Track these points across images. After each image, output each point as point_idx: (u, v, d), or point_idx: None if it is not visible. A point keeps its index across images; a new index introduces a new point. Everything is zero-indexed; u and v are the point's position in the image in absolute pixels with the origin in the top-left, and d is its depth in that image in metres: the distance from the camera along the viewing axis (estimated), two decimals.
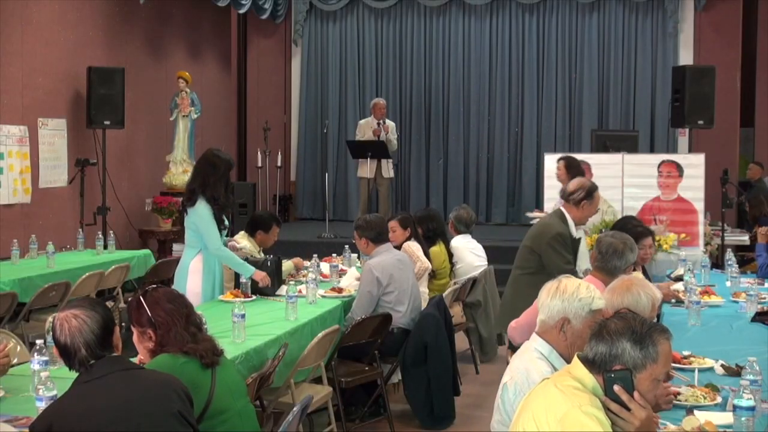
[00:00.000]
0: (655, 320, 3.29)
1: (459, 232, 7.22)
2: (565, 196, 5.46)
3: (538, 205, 11.45)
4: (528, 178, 12.53)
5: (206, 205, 5.28)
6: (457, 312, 6.58)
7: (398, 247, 6.13)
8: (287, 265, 6.18)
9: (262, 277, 5.39)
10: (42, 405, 2.90)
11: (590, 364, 2.44)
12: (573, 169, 7.86)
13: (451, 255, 6.95)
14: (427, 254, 6.42)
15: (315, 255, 6.52)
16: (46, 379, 3.03)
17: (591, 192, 5.39)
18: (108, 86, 9.06)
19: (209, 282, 5.43)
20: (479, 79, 12.80)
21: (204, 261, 5.40)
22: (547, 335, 3.06)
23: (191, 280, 5.37)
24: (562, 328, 3.01)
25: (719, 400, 3.22)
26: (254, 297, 5.30)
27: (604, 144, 9.66)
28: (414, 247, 6.25)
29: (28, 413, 3.05)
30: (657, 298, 3.46)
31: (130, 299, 3.07)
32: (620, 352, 2.39)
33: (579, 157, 9.03)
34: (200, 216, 5.28)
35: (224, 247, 5.41)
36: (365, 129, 10.69)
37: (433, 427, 5.41)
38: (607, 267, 4.28)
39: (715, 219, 9.93)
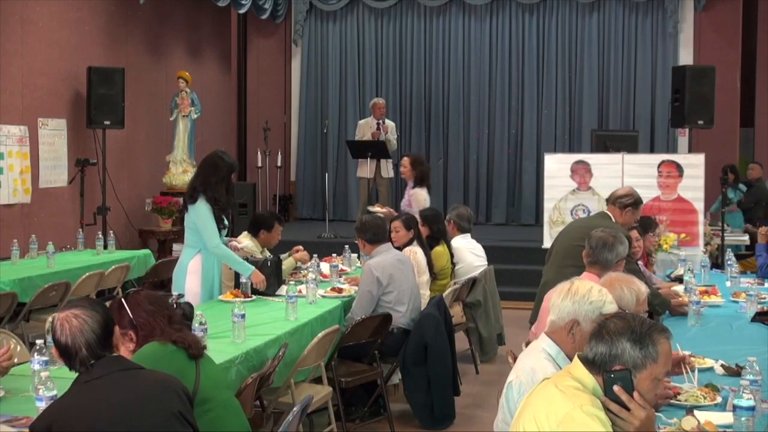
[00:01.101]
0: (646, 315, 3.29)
1: (462, 230, 7.18)
2: (613, 199, 5.51)
3: (538, 206, 11.48)
4: (528, 178, 12.53)
5: (206, 203, 5.30)
6: (457, 312, 6.57)
7: (401, 248, 6.10)
8: (288, 262, 6.16)
9: (258, 281, 5.39)
10: (42, 405, 2.90)
11: (590, 364, 2.44)
12: (418, 165, 8.14)
13: (452, 255, 6.94)
14: (429, 255, 6.40)
15: (315, 255, 6.52)
16: (46, 379, 3.03)
17: (638, 202, 5.50)
18: (108, 86, 9.06)
19: (208, 282, 5.44)
20: (479, 79, 12.80)
21: (203, 261, 5.41)
22: (556, 336, 3.05)
23: (190, 280, 5.37)
24: (571, 330, 3.00)
25: (719, 400, 3.22)
26: (254, 297, 5.31)
27: (604, 144, 9.68)
28: (419, 256, 6.19)
29: (28, 413, 3.05)
30: (642, 293, 3.46)
31: (111, 302, 3.09)
32: (620, 352, 2.39)
33: (579, 157, 9.08)
34: (199, 213, 5.29)
35: (222, 245, 5.41)
36: (365, 129, 10.69)
37: (433, 427, 5.41)
38: (599, 261, 4.31)
39: (715, 219, 9.93)
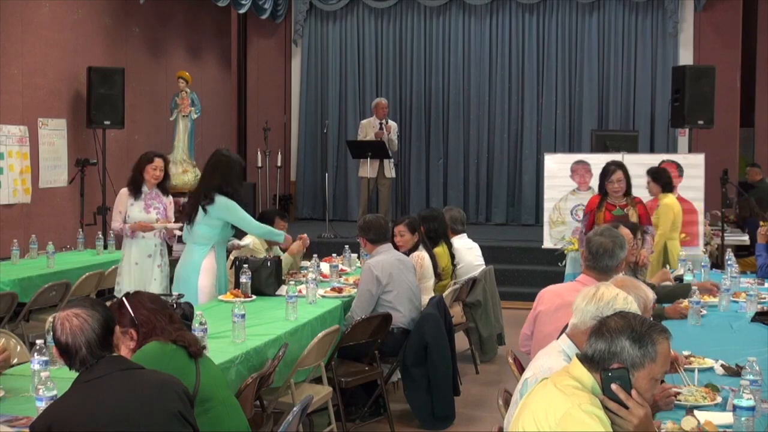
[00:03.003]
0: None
1: (456, 232, 7.18)
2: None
3: (538, 206, 11.48)
4: (528, 178, 12.54)
5: (226, 198, 5.38)
6: (457, 312, 6.57)
7: (407, 253, 6.07)
8: (286, 259, 6.16)
9: (291, 247, 5.88)
10: (42, 405, 2.90)
11: (589, 361, 2.44)
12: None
13: (452, 256, 6.92)
14: (433, 256, 6.38)
15: (315, 255, 6.52)
16: (46, 379, 3.03)
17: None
18: (108, 86, 9.06)
19: (221, 279, 5.53)
20: (479, 79, 12.80)
21: (216, 258, 5.47)
22: (576, 338, 3.05)
23: (204, 278, 5.39)
24: None
25: (719, 400, 3.21)
26: (254, 297, 5.31)
27: (604, 144, 9.68)
28: (425, 262, 6.16)
29: (28, 413, 3.05)
30: (650, 299, 3.44)
31: (111, 302, 3.10)
32: (619, 350, 2.39)
33: (579, 157, 9.07)
34: (228, 207, 5.38)
35: (261, 223, 5.66)
36: (367, 129, 10.70)
37: (433, 427, 5.41)
38: (598, 266, 4.26)
39: (715, 219, 9.93)
